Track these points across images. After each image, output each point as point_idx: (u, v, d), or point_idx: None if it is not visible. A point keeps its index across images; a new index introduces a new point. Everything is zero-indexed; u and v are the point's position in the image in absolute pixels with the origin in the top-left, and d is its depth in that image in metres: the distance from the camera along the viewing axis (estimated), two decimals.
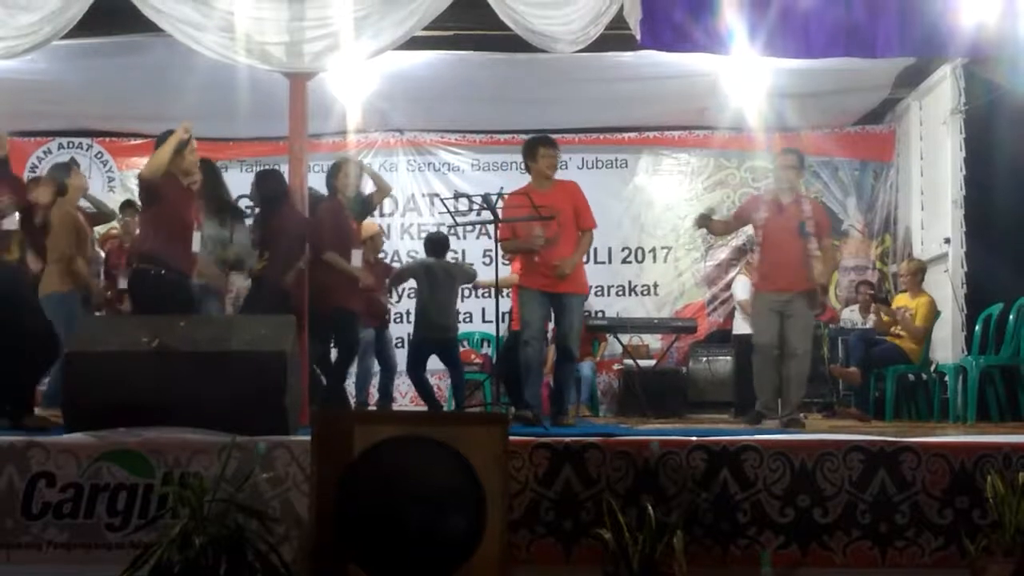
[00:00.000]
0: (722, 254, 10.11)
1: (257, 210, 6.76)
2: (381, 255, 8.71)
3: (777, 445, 4.28)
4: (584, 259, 6.60)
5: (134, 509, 4.18)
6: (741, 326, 9.19)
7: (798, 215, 6.38)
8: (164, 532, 3.55)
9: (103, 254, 8.24)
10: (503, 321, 8.15)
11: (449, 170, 10.22)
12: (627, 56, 7.65)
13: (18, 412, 5.10)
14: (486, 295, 9.62)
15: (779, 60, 6.72)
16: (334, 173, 6.82)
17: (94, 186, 9.37)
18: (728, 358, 9.35)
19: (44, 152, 10.13)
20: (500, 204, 6.55)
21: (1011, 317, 7.28)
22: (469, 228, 8.48)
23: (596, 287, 9.86)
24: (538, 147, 6.39)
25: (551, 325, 6.68)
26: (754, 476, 4.22)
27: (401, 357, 8.35)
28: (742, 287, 9.20)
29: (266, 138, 9.57)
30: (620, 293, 10.19)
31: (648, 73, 8.11)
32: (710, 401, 9.27)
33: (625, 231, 10.17)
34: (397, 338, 8.98)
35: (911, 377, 8.12)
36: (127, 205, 8.40)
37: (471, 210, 6.90)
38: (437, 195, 9.60)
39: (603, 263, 10.07)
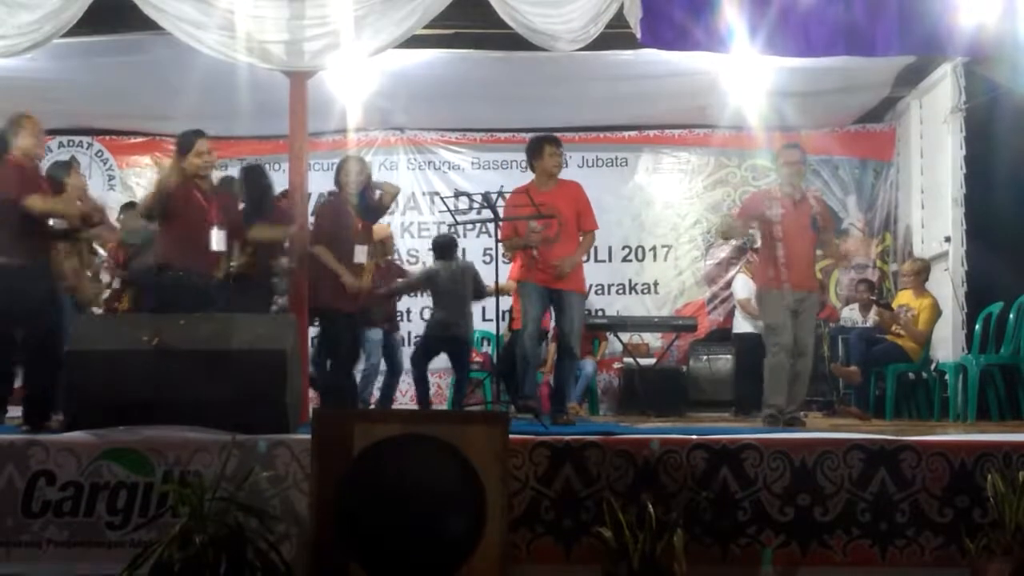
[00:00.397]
0: (722, 253, 10.08)
1: (242, 205, 6.76)
2: (391, 257, 8.70)
3: (777, 444, 4.28)
4: (584, 258, 6.59)
5: (134, 507, 4.19)
6: (741, 325, 9.19)
7: (808, 210, 6.36)
8: (164, 530, 3.57)
9: (103, 253, 8.22)
10: (503, 320, 8.15)
11: (449, 168, 10.20)
12: (627, 54, 7.63)
13: (44, 422, 5.12)
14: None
15: (779, 59, 6.70)
16: (338, 170, 6.84)
17: (94, 185, 9.36)
18: (728, 357, 9.33)
19: (44, 150, 10.09)
20: (500, 203, 6.55)
21: (1011, 316, 7.27)
22: (469, 227, 8.46)
23: (596, 285, 9.87)
24: (544, 146, 6.37)
25: (551, 324, 6.68)
26: (754, 475, 4.22)
27: (404, 356, 8.36)
28: (742, 286, 9.20)
29: (266, 136, 9.55)
30: (620, 291, 10.17)
31: (648, 71, 8.08)
32: (710, 400, 9.24)
33: (625, 229, 10.14)
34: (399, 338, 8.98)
35: (911, 376, 8.10)
36: (128, 206, 8.38)
37: (471, 208, 6.89)
38: (437, 193, 9.57)
39: (603, 261, 10.04)
